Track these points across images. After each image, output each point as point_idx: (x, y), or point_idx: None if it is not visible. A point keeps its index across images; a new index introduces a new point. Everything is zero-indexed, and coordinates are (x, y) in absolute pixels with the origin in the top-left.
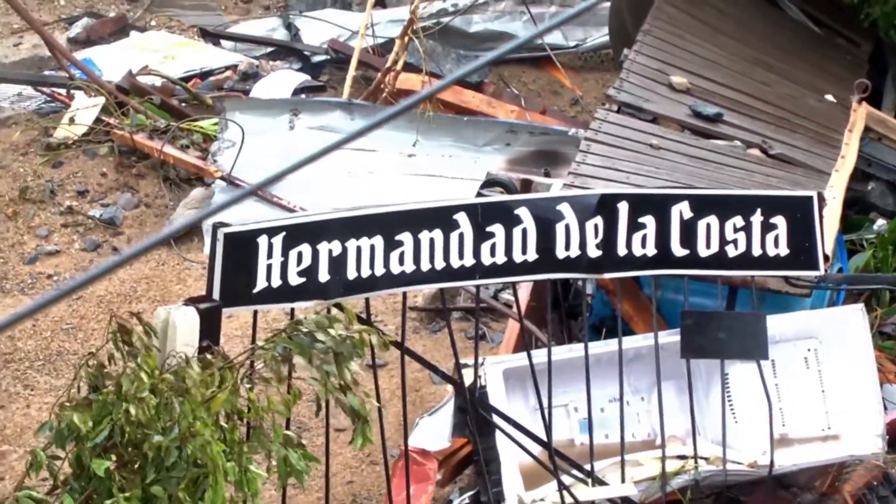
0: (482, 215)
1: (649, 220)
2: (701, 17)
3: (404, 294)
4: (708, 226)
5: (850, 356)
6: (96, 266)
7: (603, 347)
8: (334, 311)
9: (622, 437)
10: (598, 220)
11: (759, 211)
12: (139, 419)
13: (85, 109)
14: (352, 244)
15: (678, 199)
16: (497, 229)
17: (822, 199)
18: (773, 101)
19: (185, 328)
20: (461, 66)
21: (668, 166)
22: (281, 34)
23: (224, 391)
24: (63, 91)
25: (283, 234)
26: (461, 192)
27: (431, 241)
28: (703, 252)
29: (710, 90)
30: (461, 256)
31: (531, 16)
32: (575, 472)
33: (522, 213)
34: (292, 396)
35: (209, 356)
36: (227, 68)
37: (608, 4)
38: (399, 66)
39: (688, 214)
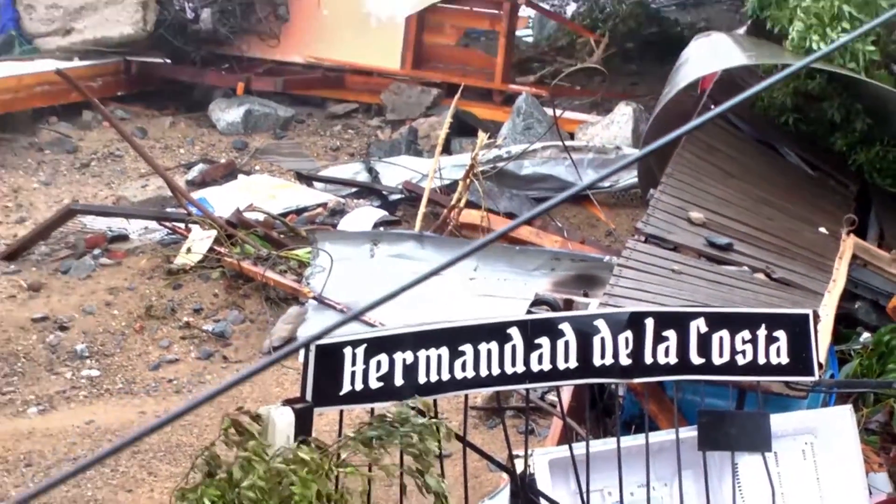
0: (531, 330)
1: (671, 334)
2: (715, 162)
3: (466, 396)
4: (721, 338)
5: (840, 449)
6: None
7: (632, 441)
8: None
9: None
10: (629, 333)
11: (763, 326)
12: (251, 499)
13: (200, 241)
14: (422, 354)
15: (695, 316)
16: (544, 341)
17: (816, 317)
18: (776, 232)
19: (282, 425)
20: (513, 203)
21: (687, 288)
22: (363, 177)
23: (321, 476)
24: (182, 225)
25: (365, 345)
26: (514, 309)
27: (489, 351)
28: (716, 360)
29: (723, 224)
30: (513, 364)
31: (572, 161)
32: None
33: (565, 328)
34: (386, 472)
35: (305, 447)
36: (318, 205)
37: (637, 151)
38: (462, 203)
39: (704, 329)
